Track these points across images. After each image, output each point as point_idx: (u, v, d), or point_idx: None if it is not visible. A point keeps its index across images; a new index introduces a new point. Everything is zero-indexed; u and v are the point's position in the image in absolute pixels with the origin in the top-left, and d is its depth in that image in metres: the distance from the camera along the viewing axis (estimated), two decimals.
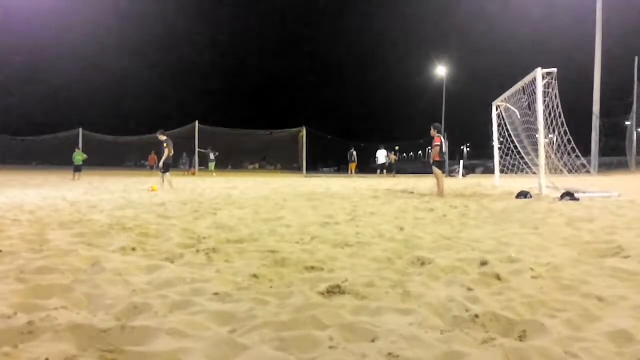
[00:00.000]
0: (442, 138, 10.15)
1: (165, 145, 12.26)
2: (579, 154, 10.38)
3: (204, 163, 30.47)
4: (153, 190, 11.39)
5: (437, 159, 10.07)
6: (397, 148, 32.54)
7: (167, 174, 12.36)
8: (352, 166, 29.14)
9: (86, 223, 5.11)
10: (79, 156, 20.22)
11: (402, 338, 1.77)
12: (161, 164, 12.42)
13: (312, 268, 3.00)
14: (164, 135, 12.54)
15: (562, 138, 9.94)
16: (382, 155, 27.41)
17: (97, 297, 2.32)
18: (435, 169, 10.12)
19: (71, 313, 2.06)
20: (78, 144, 29.38)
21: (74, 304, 2.22)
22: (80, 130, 32.53)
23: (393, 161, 28.92)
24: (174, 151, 12.89)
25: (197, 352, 1.66)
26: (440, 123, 18.33)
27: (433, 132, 10.05)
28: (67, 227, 4.80)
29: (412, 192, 11.32)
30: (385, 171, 27.54)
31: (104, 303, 2.24)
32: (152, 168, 30.08)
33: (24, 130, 41.87)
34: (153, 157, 29.44)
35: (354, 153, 29.02)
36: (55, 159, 33.36)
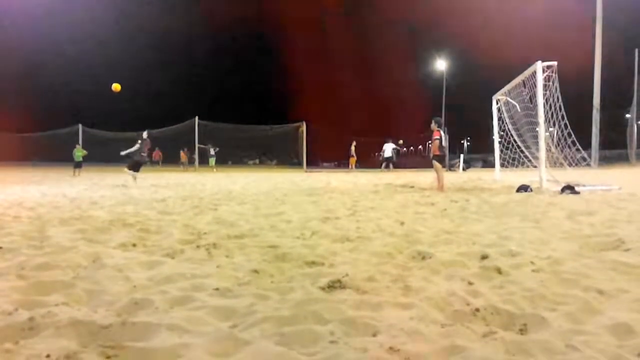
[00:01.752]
0: (441, 132, 10.11)
1: (139, 141, 12.44)
2: (579, 147, 10.36)
3: (204, 159, 30.48)
4: (116, 89, 11.95)
5: (437, 152, 10.04)
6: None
7: (133, 171, 12.41)
8: (352, 161, 29.08)
9: (86, 219, 5.11)
10: (79, 152, 20.23)
11: (403, 332, 1.77)
12: (124, 153, 12.48)
13: (313, 263, 3.00)
14: (147, 134, 12.83)
15: (562, 131, 9.91)
16: (389, 148, 26.97)
17: (98, 293, 2.33)
18: (436, 163, 10.09)
19: (72, 309, 2.06)
20: (78, 140, 29.38)
21: (74, 300, 2.23)
22: (80, 126, 32.51)
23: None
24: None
25: (197, 347, 1.66)
26: (440, 117, 18.17)
27: (433, 126, 10.01)
28: (68, 223, 4.80)
29: (412, 187, 11.31)
30: (391, 165, 27.07)
31: (104, 299, 2.24)
32: (157, 163, 31.75)
33: (24, 126, 41.86)
34: (157, 152, 30.86)
35: (354, 148, 28.94)
36: (55, 155, 33.37)
